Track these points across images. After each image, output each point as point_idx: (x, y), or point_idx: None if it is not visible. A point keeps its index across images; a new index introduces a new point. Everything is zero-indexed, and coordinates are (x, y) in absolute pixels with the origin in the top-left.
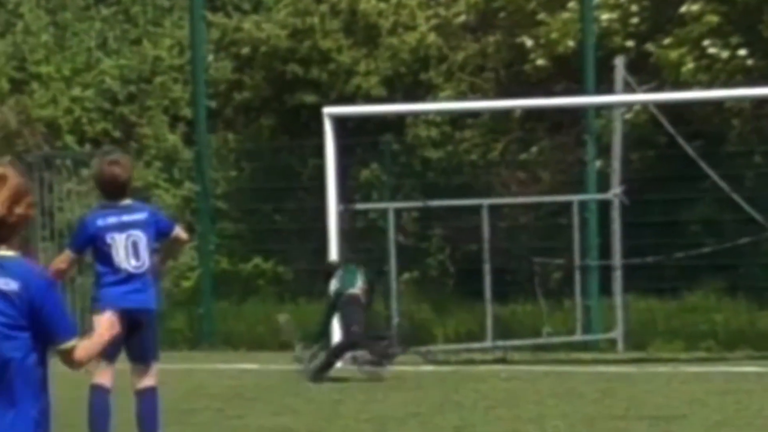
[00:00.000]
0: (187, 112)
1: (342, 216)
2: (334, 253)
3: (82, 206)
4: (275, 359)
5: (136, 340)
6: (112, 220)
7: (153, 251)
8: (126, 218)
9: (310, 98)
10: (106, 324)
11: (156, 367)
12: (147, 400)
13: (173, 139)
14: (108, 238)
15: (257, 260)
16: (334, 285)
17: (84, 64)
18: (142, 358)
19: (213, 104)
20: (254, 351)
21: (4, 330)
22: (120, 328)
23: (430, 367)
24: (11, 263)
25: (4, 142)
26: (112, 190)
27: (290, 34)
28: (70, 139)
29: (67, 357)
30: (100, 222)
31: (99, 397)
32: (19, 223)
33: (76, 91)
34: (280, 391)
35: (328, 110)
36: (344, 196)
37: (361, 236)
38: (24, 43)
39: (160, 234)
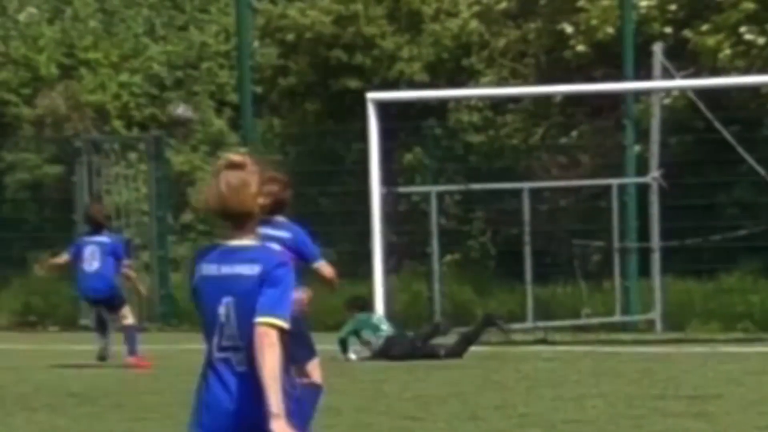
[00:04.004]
0: (233, 97)
1: (385, 199)
2: (377, 236)
3: (129, 189)
4: (320, 340)
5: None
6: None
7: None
8: (269, 232)
9: (354, 83)
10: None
11: (314, 363)
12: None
13: (219, 123)
14: None
15: None
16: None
17: (132, 50)
18: (300, 361)
19: (258, 89)
20: None
21: None
22: None
23: (471, 347)
24: (255, 251)
25: (53, 126)
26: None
27: (334, 21)
28: (118, 124)
29: (256, 330)
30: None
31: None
32: (259, 212)
33: (124, 77)
34: (326, 371)
35: (371, 95)
36: (387, 180)
37: (404, 219)
38: (73, 29)
39: (300, 259)
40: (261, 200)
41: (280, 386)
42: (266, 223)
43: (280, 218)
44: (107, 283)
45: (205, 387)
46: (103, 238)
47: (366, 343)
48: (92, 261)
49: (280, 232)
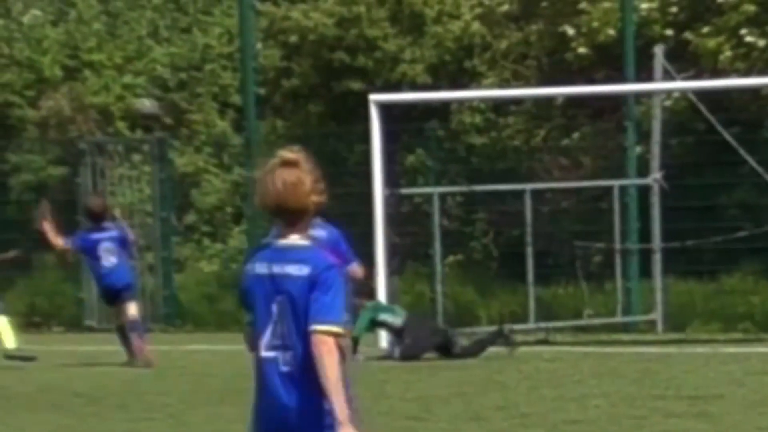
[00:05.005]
0: (236, 98)
1: (388, 200)
2: (380, 237)
3: (133, 191)
4: None
5: None
6: None
7: None
8: None
9: (356, 85)
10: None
11: None
12: None
13: (223, 125)
14: None
15: None
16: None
17: (135, 52)
18: None
19: (262, 91)
20: None
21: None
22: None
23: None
24: (305, 251)
25: (58, 128)
26: None
27: (337, 23)
28: (121, 126)
29: (313, 339)
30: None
31: None
32: (313, 211)
33: (128, 79)
34: None
35: (374, 97)
36: (390, 181)
37: (407, 220)
38: (77, 31)
39: None
40: (314, 198)
41: (343, 393)
42: None
43: (318, 220)
44: (128, 275)
45: (256, 389)
46: (113, 233)
47: (383, 325)
48: (109, 256)
49: (317, 231)
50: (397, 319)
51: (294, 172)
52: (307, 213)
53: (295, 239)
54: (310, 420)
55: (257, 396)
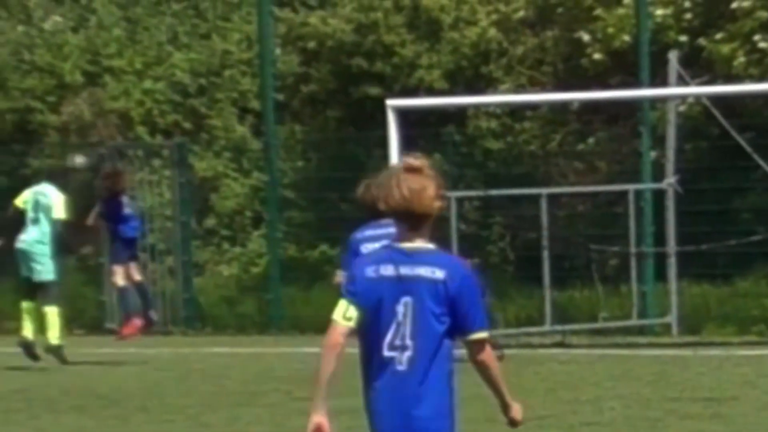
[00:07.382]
0: (255, 104)
1: None
2: None
3: (153, 195)
4: None
5: None
6: (369, 232)
7: None
8: (380, 231)
9: (374, 91)
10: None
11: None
12: None
13: (242, 130)
14: (362, 249)
15: (324, 247)
16: None
17: (155, 58)
18: None
19: (280, 97)
20: (321, 335)
21: (436, 315)
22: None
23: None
24: (435, 255)
25: (78, 133)
26: (374, 211)
27: (355, 29)
28: (141, 131)
29: (475, 347)
30: (358, 235)
31: None
32: (435, 216)
33: (148, 84)
34: (345, 374)
35: (391, 102)
36: None
37: None
38: (97, 37)
39: None
40: (437, 203)
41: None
42: (378, 224)
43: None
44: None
45: (369, 389)
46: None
47: None
48: (129, 210)
49: (390, 229)
50: None
51: (419, 178)
52: (431, 217)
53: (421, 243)
54: (421, 421)
55: (370, 396)
